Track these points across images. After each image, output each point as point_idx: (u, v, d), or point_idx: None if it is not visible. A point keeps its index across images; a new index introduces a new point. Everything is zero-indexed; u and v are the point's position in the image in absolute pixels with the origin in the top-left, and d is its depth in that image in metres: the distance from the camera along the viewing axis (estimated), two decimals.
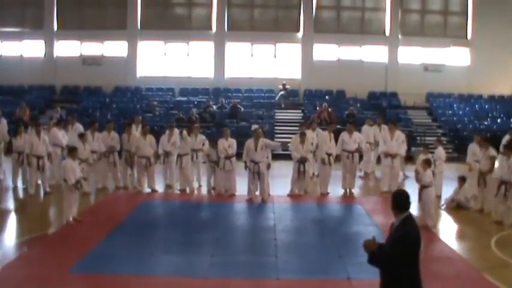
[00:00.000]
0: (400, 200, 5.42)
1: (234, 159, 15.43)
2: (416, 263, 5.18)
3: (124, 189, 16.19)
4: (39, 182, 15.51)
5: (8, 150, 16.93)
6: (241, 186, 15.08)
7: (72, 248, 10.05)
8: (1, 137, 17.26)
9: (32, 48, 30.72)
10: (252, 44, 30.86)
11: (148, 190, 15.80)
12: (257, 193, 14.65)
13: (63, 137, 16.48)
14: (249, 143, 14.45)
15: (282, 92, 29.17)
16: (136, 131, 16.56)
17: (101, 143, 16.02)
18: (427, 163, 12.98)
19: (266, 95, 30.15)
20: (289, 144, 15.91)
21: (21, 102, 25.90)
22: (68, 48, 30.80)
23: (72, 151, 12.25)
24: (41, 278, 8.50)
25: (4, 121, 17.79)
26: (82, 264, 9.18)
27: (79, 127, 17.27)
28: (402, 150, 16.59)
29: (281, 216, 13.20)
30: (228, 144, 15.42)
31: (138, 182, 15.90)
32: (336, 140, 16.33)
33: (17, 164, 15.90)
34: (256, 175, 14.35)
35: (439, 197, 15.27)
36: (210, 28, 30.67)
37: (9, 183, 16.41)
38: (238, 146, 15.24)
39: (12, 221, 12.78)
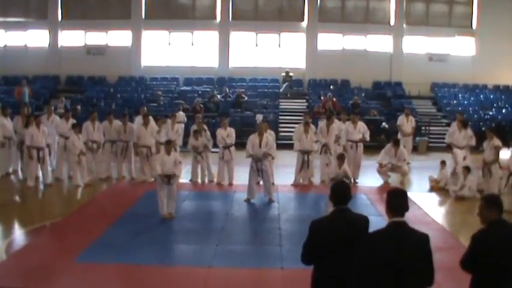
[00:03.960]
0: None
1: (233, 148, 15.46)
2: None
3: (132, 179, 16.21)
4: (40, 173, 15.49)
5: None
6: (241, 175, 14.89)
7: (78, 237, 10.09)
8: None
9: (36, 38, 30.77)
10: (256, 34, 30.81)
11: (151, 180, 15.86)
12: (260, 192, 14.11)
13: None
14: (254, 138, 13.72)
15: (287, 83, 29.13)
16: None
17: (101, 133, 16.07)
18: (341, 158, 13.03)
19: (270, 84, 30.13)
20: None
21: (22, 80, 26.05)
22: (72, 38, 30.84)
23: (168, 144, 12.05)
24: (47, 267, 8.55)
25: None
26: (88, 253, 9.23)
27: (56, 119, 17.19)
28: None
29: (285, 205, 13.23)
30: (226, 133, 15.41)
31: (141, 172, 15.95)
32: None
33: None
34: (259, 172, 13.61)
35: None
36: (215, 17, 30.62)
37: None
38: (243, 136, 15.18)
39: (17, 212, 12.83)
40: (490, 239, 4.88)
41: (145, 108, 18.28)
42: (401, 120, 19.79)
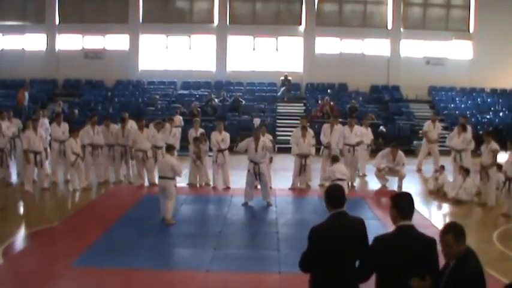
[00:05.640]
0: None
1: (226, 152, 15.45)
2: None
3: (129, 183, 16.20)
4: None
5: None
6: (239, 179, 14.80)
7: (75, 241, 10.08)
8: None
9: (33, 41, 30.71)
10: (253, 37, 30.81)
11: (148, 184, 15.84)
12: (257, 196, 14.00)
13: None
14: (250, 142, 13.64)
15: (285, 87, 29.13)
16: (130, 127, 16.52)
17: (101, 137, 16.04)
18: (334, 159, 13.04)
19: (268, 88, 30.13)
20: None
21: (26, 84, 26.50)
22: (69, 41, 30.78)
23: (170, 149, 12.24)
24: (43, 272, 8.54)
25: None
26: (84, 258, 9.21)
27: (45, 123, 17.08)
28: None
29: (283, 209, 13.22)
30: (221, 137, 15.43)
31: (139, 175, 15.94)
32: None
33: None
34: (256, 176, 13.49)
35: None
36: (212, 21, 30.62)
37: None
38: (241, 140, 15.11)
39: (14, 216, 12.81)
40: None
41: (126, 114, 17.87)
42: (428, 126, 19.46)
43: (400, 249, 4.70)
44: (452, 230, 4.51)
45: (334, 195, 5.22)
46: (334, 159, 13.57)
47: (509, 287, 4.30)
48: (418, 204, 13.66)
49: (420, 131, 20.99)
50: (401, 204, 4.91)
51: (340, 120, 17.70)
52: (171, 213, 11.67)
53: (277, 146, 15.86)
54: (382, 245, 4.82)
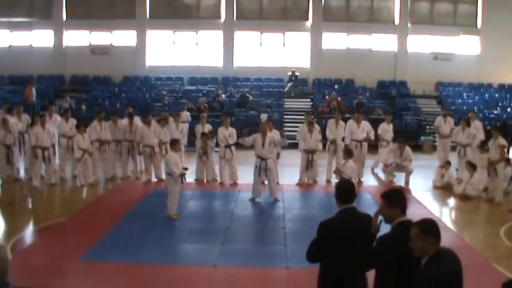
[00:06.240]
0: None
1: (233, 147, 15.44)
2: None
3: (136, 178, 16.25)
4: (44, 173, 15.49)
5: None
6: (246, 176, 14.87)
7: (83, 236, 10.12)
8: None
9: (41, 38, 30.78)
10: (260, 33, 30.76)
11: (155, 179, 15.88)
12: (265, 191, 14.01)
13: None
14: (257, 137, 13.62)
15: (292, 83, 29.10)
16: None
17: (109, 133, 16.09)
18: (348, 153, 13.03)
19: (275, 84, 30.11)
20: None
21: (33, 79, 26.65)
22: (77, 37, 30.83)
23: (174, 144, 12.17)
24: (51, 266, 8.58)
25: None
26: (92, 252, 9.27)
27: (57, 118, 17.16)
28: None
29: (290, 205, 13.23)
30: (228, 133, 15.43)
31: (146, 171, 15.99)
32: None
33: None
34: (263, 172, 13.48)
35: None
36: (219, 17, 30.61)
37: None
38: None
39: (23, 211, 12.88)
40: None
41: (131, 108, 18.31)
42: (439, 121, 18.98)
43: (403, 244, 4.70)
44: (420, 225, 4.45)
45: (345, 190, 5.26)
46: (349, 154, 13.50)
47: (507, 285, 4.21)
48: (426, 200, 13.69)
49: (431, 126, 20.89)
50: (403, 201, 4.95)
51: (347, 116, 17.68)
52: (173, 210, 11.67)
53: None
54: (385, 243, 4.83)
